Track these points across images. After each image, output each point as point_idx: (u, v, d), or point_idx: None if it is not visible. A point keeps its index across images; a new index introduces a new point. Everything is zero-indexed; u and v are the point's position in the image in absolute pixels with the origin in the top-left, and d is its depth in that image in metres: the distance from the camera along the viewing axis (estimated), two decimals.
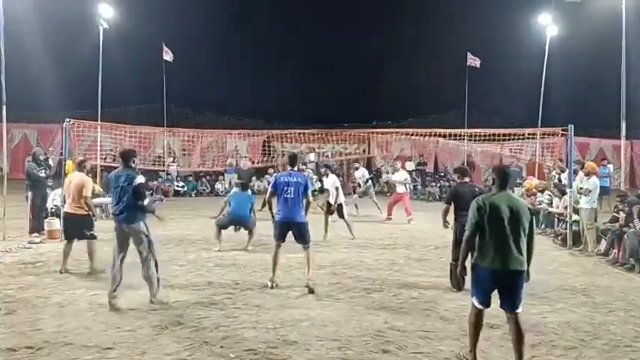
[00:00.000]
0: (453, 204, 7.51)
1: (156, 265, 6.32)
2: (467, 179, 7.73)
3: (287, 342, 5.22)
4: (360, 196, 16.13)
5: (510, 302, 4.65)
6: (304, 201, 7.19)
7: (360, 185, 16.50)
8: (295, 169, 7.47)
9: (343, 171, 23.79)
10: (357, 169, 17.32)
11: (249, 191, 11.69)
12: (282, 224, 7.20)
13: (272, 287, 7.10)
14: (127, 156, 6.50)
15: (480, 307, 4.72)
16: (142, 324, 5.61)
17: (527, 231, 4.64)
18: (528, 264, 4.67)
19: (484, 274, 4.63)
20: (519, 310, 4.66)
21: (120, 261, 6.27)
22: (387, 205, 14.68)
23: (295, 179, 7.17)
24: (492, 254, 4.59)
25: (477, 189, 7.52)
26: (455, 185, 7.91)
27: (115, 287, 6.16)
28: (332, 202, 11.49)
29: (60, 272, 7.81)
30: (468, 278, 4.93)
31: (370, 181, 16.59)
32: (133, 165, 6.49)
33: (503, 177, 4.84)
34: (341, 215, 11.44)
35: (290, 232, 7.27)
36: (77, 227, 8.05)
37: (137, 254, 6.31)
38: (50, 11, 20.81)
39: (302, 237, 7.20)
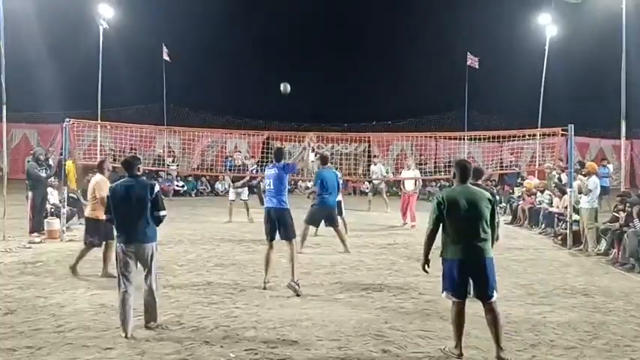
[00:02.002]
0: None
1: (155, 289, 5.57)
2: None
3: (287, 342, 5.23)
4: (373, 194, 16.23)
5: (483, 290, 4.88)
6: (286, 189, 7.22)
7: (371, 182, 16.62)
8: (281, 163, 7.36)
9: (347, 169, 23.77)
10: (375, 164, 17.37)
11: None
12: (267, 211, 7.25)
13: (264, 288, 7.06)
14: (130, 164, 5.63)
15: (456, 300, 4.92)
16: (142, 324, 5.58)
17: (488, 219, 4.91)
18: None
19: (452, 265, 4.89)
20: (494, 299, 4.88)
21: (130, 290, 5.39)
22: (401, 211, 13.50)
23: (274, 171, 7.26)
24: (456, 245, 4.87)
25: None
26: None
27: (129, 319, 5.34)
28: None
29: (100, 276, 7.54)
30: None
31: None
32: (139, 172, 5.70)
33: (464, 171, 5.09)
34: (339, 212, 10.85)
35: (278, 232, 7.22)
36: (98, 231, 7.63)
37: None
38: (50, 11, 20.77)
39: (284, 228, 7.12)
